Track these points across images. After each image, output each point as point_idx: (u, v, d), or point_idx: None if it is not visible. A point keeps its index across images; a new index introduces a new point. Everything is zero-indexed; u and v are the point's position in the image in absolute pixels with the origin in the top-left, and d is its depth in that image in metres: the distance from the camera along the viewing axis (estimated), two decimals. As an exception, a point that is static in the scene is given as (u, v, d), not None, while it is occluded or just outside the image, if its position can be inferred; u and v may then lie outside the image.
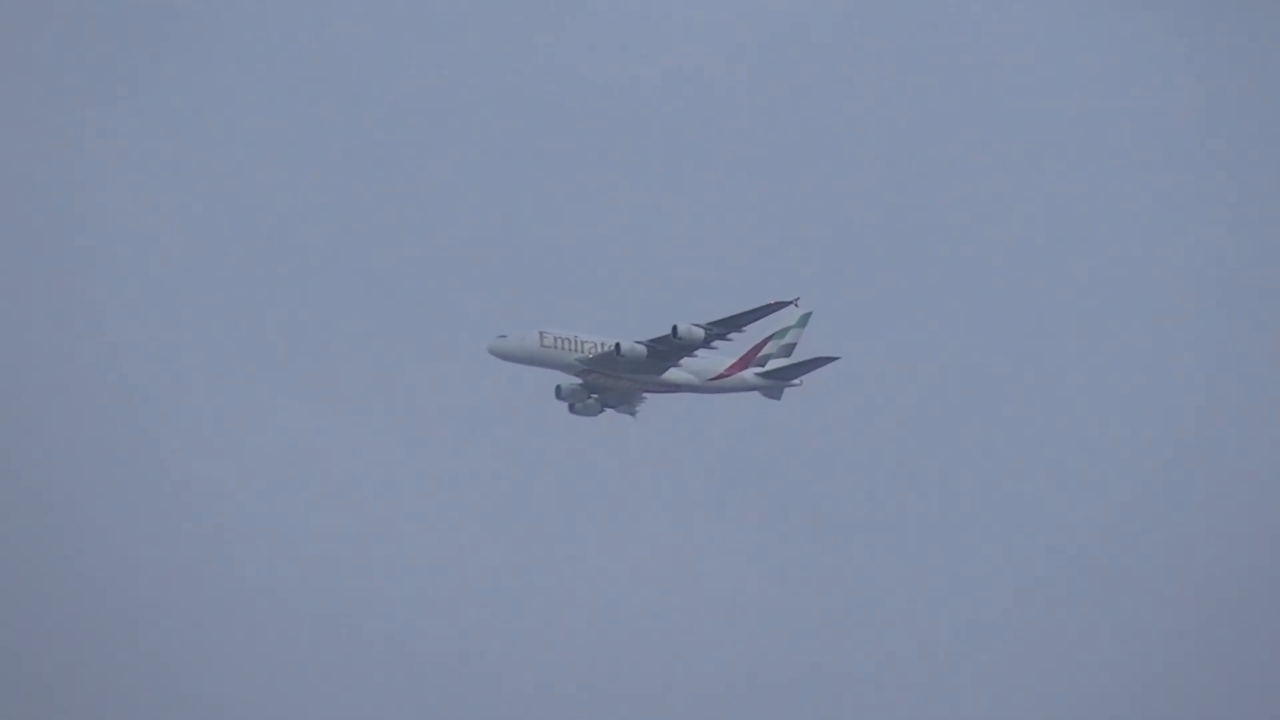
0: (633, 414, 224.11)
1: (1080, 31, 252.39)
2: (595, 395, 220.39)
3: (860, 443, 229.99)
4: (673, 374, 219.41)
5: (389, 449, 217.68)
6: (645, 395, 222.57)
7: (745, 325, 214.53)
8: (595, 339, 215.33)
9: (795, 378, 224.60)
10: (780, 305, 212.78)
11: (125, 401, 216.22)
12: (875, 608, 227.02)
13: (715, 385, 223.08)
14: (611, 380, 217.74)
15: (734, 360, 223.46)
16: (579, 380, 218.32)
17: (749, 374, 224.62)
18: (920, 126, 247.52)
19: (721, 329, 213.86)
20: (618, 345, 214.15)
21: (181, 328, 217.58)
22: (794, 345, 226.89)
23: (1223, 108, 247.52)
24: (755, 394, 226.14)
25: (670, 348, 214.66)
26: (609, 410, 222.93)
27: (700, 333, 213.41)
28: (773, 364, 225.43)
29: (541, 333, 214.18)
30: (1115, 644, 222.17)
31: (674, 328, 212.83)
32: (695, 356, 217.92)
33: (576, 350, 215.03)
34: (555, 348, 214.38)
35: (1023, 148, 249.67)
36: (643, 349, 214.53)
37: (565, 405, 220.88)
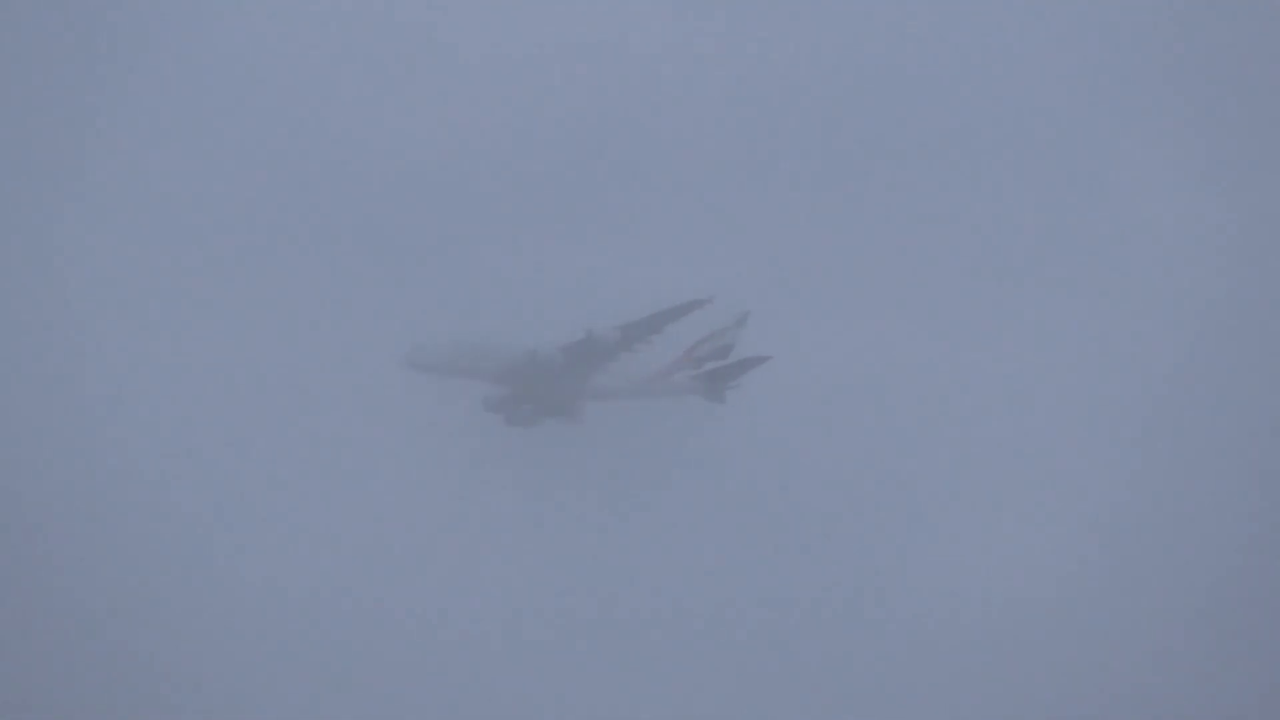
0: (579, 423, 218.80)
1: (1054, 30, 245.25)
2: (528, 405, 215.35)
3: (806, 446, 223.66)
4: (599, 379, 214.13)
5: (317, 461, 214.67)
6: (582, 403, 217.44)
7: (663, 326, 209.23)
8: (514, 346, 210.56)
9: (730, 379, 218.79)
10: (696, 305, 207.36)
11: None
12: (837, 614, 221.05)
13: (647, 389, 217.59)
14: (538, 388, 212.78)
15: (667, 363, 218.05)
16: (507, 390, 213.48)
17: (683, 377, 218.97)
18: (869, 126, 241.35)
19: (638, 331, 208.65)
20: (533, 352, 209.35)
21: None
22: (731, 346, 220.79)
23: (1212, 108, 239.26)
24: (696, 398, 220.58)
25: (588, 352, 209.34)
26: (548, 420, 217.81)
27: (616, 335, 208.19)
28: (708, 366, 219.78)
29: (458, 342, 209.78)
30: (1090, 652, 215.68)
31: (588, 331, 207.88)
32: (619, 360, 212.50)
33: (495, 358, 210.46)
34: (472, 356, 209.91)
35: (972, 144, 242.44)
36: (559, 354, 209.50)
37: (501, 417, 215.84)
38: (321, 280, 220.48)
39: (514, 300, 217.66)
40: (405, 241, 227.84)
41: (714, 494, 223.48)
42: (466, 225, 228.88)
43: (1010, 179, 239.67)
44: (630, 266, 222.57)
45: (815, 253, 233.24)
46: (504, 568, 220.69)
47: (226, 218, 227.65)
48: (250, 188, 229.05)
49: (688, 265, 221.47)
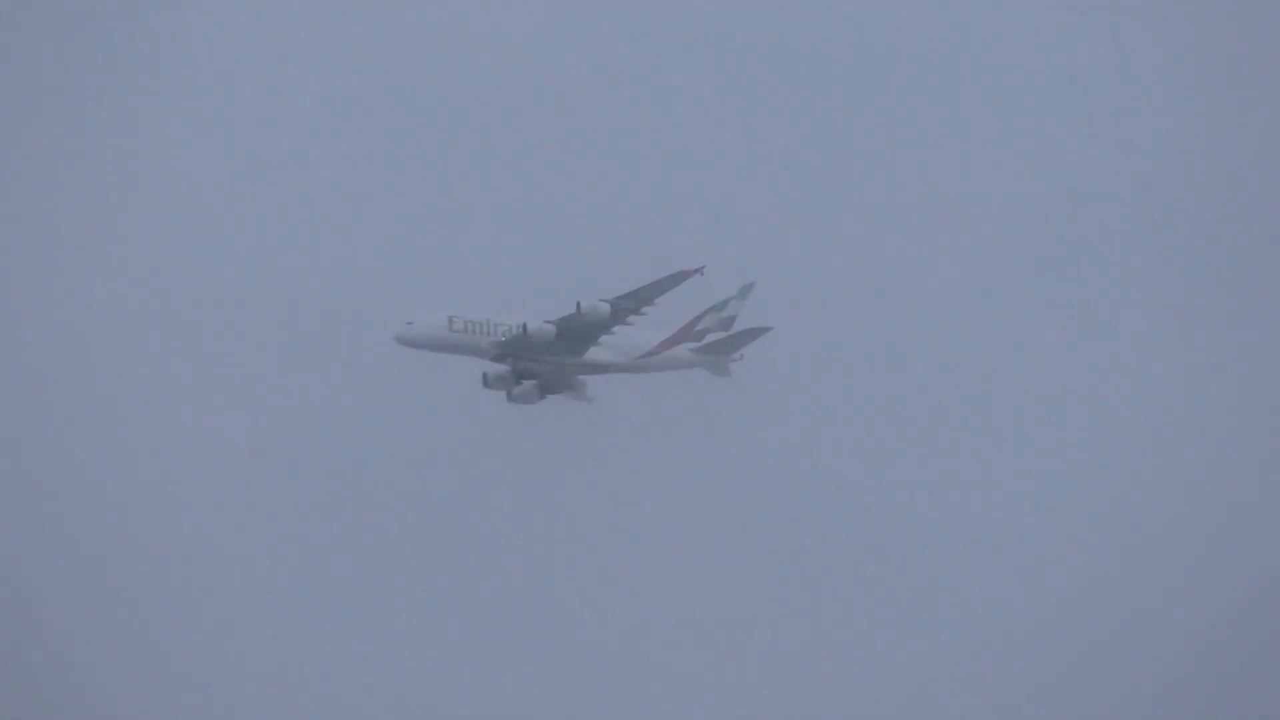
0: (587, 400, 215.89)
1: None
2: (530, 381, 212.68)
3: (814, 422, 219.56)
4: (595, 353, 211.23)
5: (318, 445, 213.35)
6: (583, 378, 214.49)
7: (654, 298, 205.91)
8: (507, 321, 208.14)
9: (732, 351, 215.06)
10: (686, 275, 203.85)
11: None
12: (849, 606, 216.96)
13: (646, 363, 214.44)
14: (535, 364, 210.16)
15: (667, 336, 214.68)
16: (505, 366, 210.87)
17: (682, 350, 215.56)
18: (872, 96, 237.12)
19: (629, 303, 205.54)
20: (524, 326, 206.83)
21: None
22: (734, 318, 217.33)
23: (1220, 108, 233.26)
24: (701, 372, 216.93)
25: (580, 326, 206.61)
26: (553, 397, 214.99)
27: (606, 308, 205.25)
28: (710, 338, 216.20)
29: (451, 317, 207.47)
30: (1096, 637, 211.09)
31: (578, 304, 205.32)
32: (613, 334, 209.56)
33: (489, 334, 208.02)
34: (465, 332, 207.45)
35: (983, 120, 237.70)
36: (552, 328, 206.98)
37: (502, 394, 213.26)
38: (313, 258, 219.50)
39: (507, 274, 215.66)
40: (397, 217, 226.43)
41: (721, 471, 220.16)
42: (460, 199, 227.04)
43: (1025, 159, 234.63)
44: (626, 239, 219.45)
45: (822, 223, 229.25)
46: (507, 546, 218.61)
47: (217, 195, 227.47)
48: (242, 163, 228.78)
49: (686, 236, 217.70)
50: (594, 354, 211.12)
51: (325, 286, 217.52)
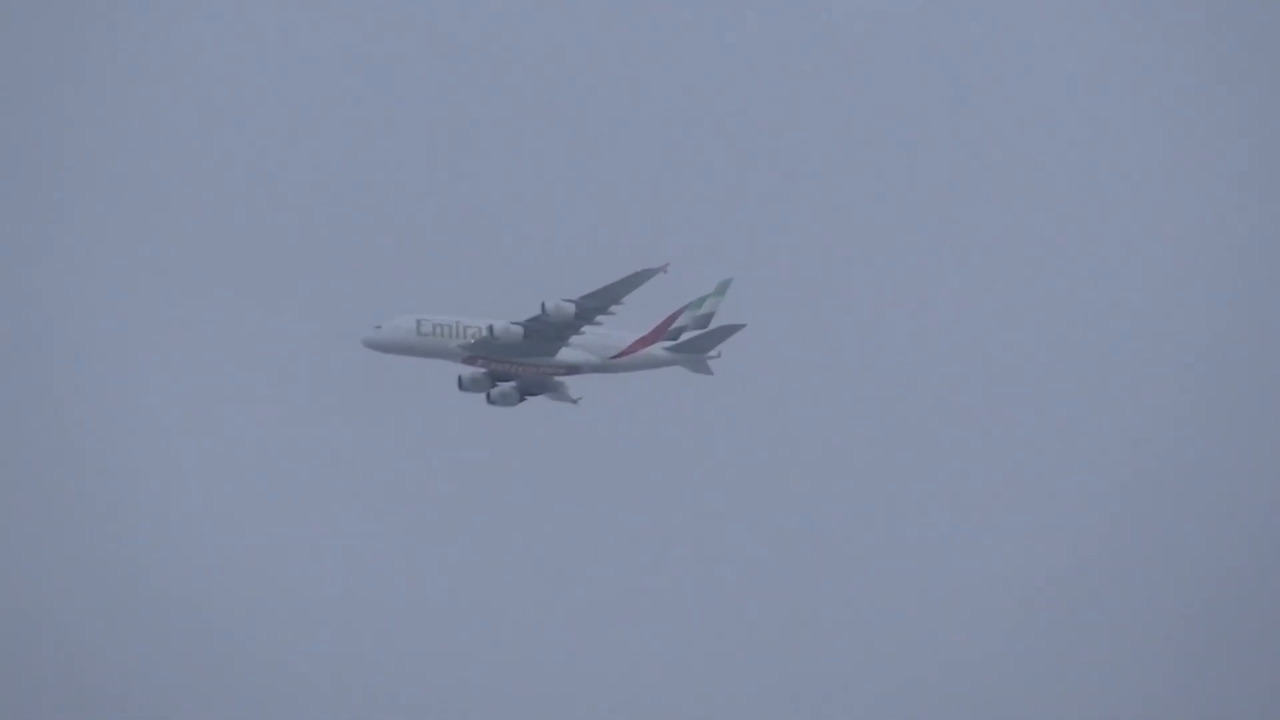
0: (571, 401, 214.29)
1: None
2: (508, 383, 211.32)
3: (798, 417, 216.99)
4: (567, 354, 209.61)
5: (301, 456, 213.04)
6: (560, 379, 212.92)
7: (621, 296, 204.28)
8: (476, 323, 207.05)
9: (706, 349, 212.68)
10: (650, 273, 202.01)
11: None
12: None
13: (621, 363, 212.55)
14: (506, 366, 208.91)
15: (642, 335, 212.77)
16: (482, 369, 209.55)
17: (657, 348, 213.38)
18: (850, 90, 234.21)
19: (594, 302, 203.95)
20: (491, 328, 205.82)
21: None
22: (711, 315, 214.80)
23: (1217, 107, 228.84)
24: (680, 371, 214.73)
25: (546, 326, 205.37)
26: (533, 398, 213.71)
27: (571, 308, 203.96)
28: (685, 336, 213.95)
29: (419, 320, 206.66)
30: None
31: (543, 304, 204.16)
32: (584, 334, 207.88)
33: (458, 336, 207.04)
34: (434, 335, 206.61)
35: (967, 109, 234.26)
36: (518, 329, 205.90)
37: (480, 397, 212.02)
38: (280, 261, 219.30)
39: (479, 276, 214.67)
40: (364, 219, 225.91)
41: (707, 468, 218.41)
42: (428, 200, 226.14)
43: (1008, 152, 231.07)
44: (607, 238, 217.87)
45: (800, 218, 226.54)
46: (495, 548, 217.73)
47: (189, 199, 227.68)
48: (201, 165, 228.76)
49: (664, 234, 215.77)
50: (565, 354, 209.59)
51: (293, 291, 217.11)
